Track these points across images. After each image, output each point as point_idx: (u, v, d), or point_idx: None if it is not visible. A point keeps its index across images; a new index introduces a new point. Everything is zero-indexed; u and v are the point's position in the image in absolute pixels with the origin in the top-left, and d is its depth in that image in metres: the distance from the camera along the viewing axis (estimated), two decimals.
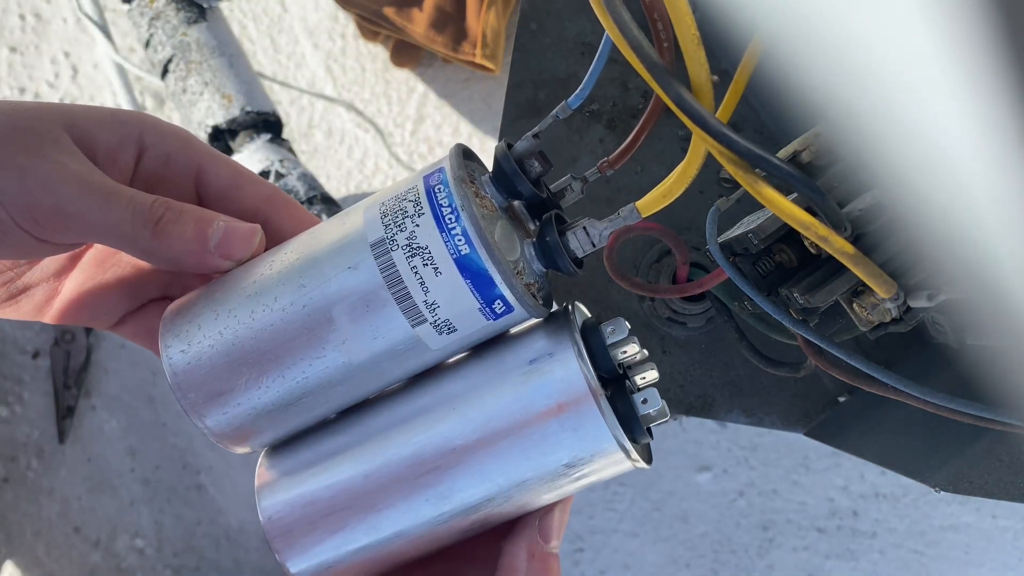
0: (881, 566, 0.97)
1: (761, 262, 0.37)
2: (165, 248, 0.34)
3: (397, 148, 1.03)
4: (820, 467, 0.97)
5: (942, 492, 0.41)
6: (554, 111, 0.37)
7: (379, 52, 1.04)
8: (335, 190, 1.02)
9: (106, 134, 0.36)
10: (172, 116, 1.04)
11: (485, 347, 0.39)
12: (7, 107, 0.33)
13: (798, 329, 0.36)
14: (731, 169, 0.32)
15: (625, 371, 0.37)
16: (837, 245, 0.31)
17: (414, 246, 0.35)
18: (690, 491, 0.98)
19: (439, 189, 0.35)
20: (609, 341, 0.37)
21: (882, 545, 0.97)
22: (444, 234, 0.34)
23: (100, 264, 0.39)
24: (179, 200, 0.36)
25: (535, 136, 0.37)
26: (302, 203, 0.72)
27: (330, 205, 0.74)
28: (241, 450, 0.39)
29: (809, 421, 0.53)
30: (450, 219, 0.35)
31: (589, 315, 0.40)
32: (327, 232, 0.37)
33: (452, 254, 0.35)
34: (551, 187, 0.38)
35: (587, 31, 0.50)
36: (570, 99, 0.37)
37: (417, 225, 0.35)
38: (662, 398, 0.36)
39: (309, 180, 0.75)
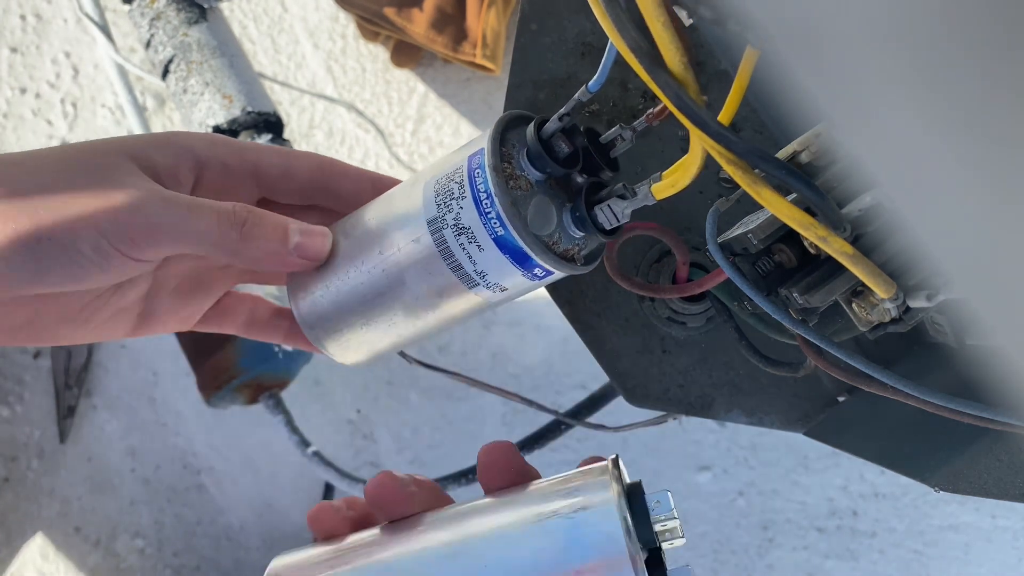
0: (881, 566, 0.97)
1: (760, 262, 0.37)
2: (252, 250, 0.38)
3: (398, 148, 1.03)
4: (820, 467, 0.97)
5: (941, 492, 0.42)
6: (576, 95, 0.38)
7: (379, 52, 1.04)
8: None
9: (164, 156, 0.39)
10: (173, 116, 1.04)
11: (522, 490, 0.42)
12: (72, 149, 0.36)
13: (797, 329, 0.36)
14: (730, 169, 0.32)
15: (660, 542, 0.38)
16: (836, 246, 0.31)
17: (460, 226, 0.40)
18: (690, 491, 0.98)
19: (478, 173, 0.40)
20: (653, 513, 0.38)
21: (882, 545, 0.97)
22: (482, 217, 0.39)
23: (168, 271, 0.42)
24: (245, 198, 0.41)
25: (560, 118, 0.39)
26: None
27: None
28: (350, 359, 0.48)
29: (809, 421, 0.53)
30: (486, 204, 0.39)
31: (627, 478, 0.42)
32: (399, 203, 0.43)
33: (491, 234, 0.40)
34: (601, 138, 0.40)
35: (587, 31, 0.50)
36: (590, 83, 0.38)
37: (461, 208, 0.40)
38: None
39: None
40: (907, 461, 0.46)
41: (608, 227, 0.42)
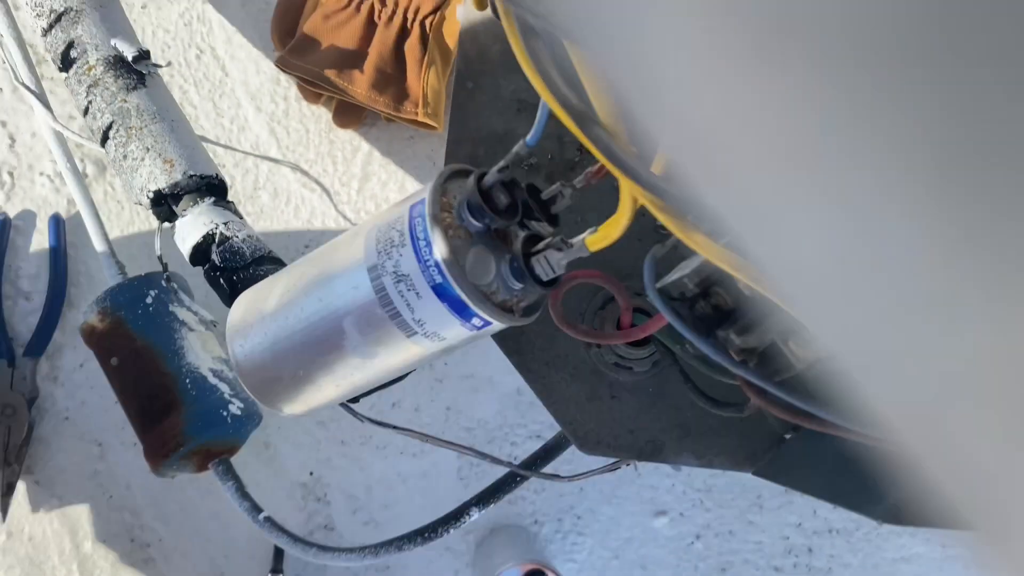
0: None
1: (698, 305, 0.39)
2: None
3: (344, 207, 1.03)
4: (773, 505, 0.98)
5: (884, 525, 0.42)
6: (514, 148, 0.39)
7: (322, 113, 1.05)
8: (283, 250, 1.01)
9: None
10: (114, 183, 1.03)
11: None
12: None
13: (737, 370, 0.37)
14: (661, 217, 0.33)
15: None
16: (768, 287, 0.32)
17: (399, 273, 0.41)
18: (648, 536, 0.98)
19: (418, 222, 0.41)
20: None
21: None
22: (421, 264, 0.40)
23: None
24: None
25: (500, 170, 0.40)
26: (248, 265, 0.72)
27: (278, 264, 0.74)
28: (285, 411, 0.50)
29: (757, 460, 0.54)
30: (425, 252, 0.40)
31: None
32: (341, 251, 0.44)
33: (429, 283, 0.40)
34: (543, 195, 0.41)
35: (522, 88, 0.52)
36: (528, 138, 0.40)
37: (401, 255, 0.41)
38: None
39: (254, 242, 0.75)
40: (852, 496, 0.47)
41: (545, 278, 0.43)
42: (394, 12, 0.98)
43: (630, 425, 0.54)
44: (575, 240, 0.40)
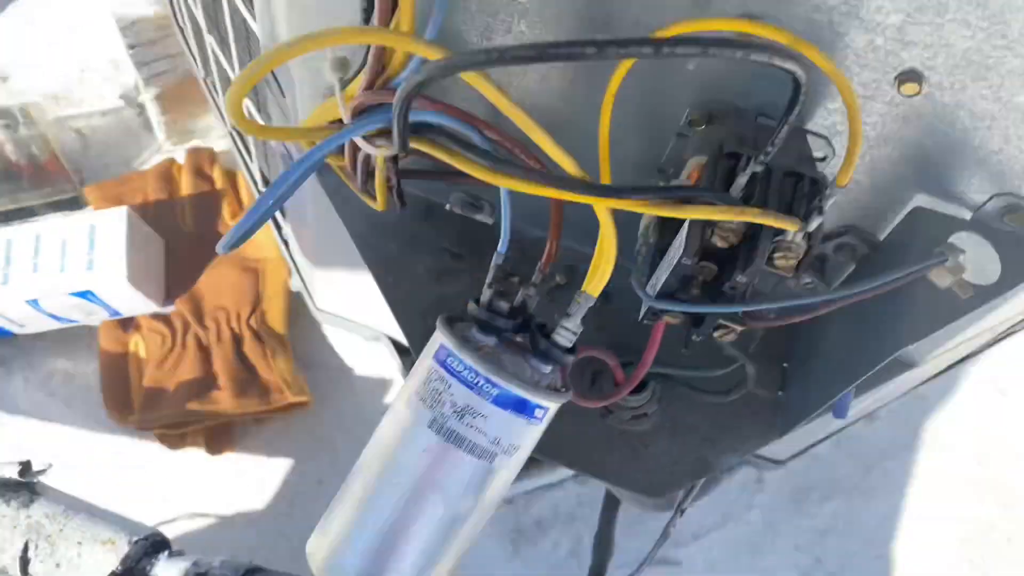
0: None
1: (690, 286, 0.47)
2: None
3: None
4: None
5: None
6: (492, 262, 0.47)
7: (192, 455, 1.04)
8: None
9: None
10: None
11: None
12: None
13: (750, 306, 0.46)
14: (652, 211, 0.42)
15: None
16: (749, 214, 0.41)
17: (458, 409, 0.46)
18: None
19: (451, 360, 0.47)
20: None
21: None
22: (474, 389, 0.46)
23: None
24: None
25: (488, 285, 0.47)
26: None
27: (267, 572, 0.73)
28: None
29: (773, 428, 0.62)
30: (471, 377, 0.46)
31: None
32: (389, 436, 0.48)
33: (488, 399, 0.45)
34: (515, 301, 0.48)
35: (436, 255, 0.60)
36: (499, 247, 0.48)
37: (452, 394, 0.46)
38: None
39: (231, 563, 0.73)
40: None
41: (570, 345, 0.50)
42: (219, 329, 1.03)
43: (672, 459, 0.60)
44: (577, 298, 0.48)
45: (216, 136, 1.20)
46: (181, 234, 1.08)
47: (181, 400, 0.98)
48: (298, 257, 0.90)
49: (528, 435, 0.49)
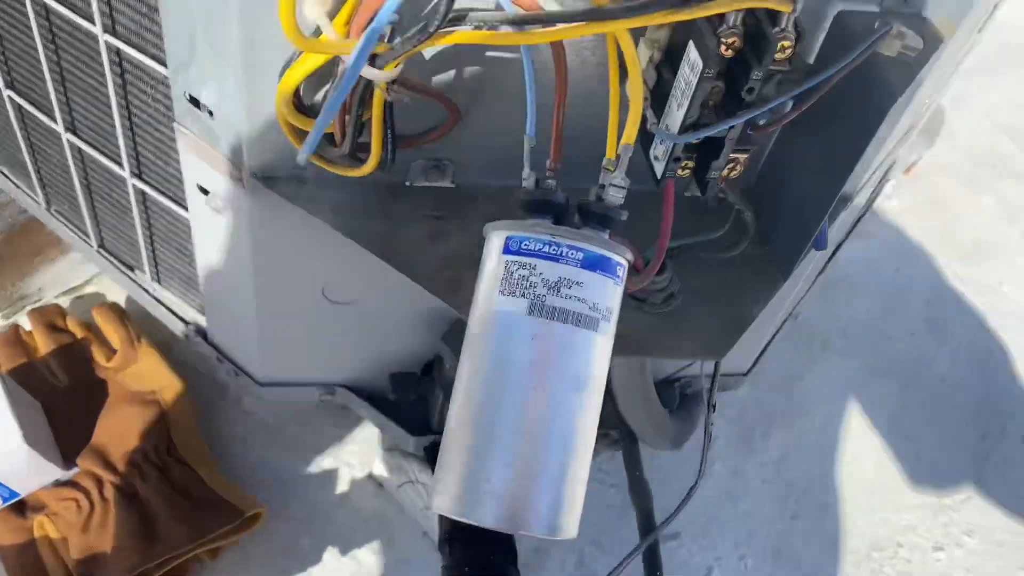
0: None
1: (703, 114, 0.51)
2: None
3: None
4: None
5: None
6: (525, 143, 0.49)
7: None
8: None
9: None
10: None
11: None
12: None
13: (770, 104, 0.50)
14: (671, 18, 0.46)
15: None
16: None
17: (552, 284, 0.46)
18: None
19: (526, 244, 0.48)
20: None
21: None
22: (560, 260, 0.47)
23: None
24: None
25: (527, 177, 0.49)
26: None
27: None
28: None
29: (778, 276, 0.66)
30: (554, 249, 0.47)
31: None
32: (487, 347, 0.47)
33: (576, 264, 0.47)
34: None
35: None
36: (528, 130, 0.49)
37: (540, 272, 0.47)
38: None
39: None
40: None
41: (622, 200, 0.52)
42: (140, 470, 0.92)
43: (714, 322, 0.62)
44: (617, 153, 0.50)
45: (52, 294, 1.10)
46: (56, 392, 0.96)
47: (127, 556, 0.85)
48: (232, 340, 0.84)
49: (615, 296, 0.50)
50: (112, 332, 1.02)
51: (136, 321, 1.04)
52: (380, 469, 1.01)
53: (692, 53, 0.50)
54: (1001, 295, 1.45)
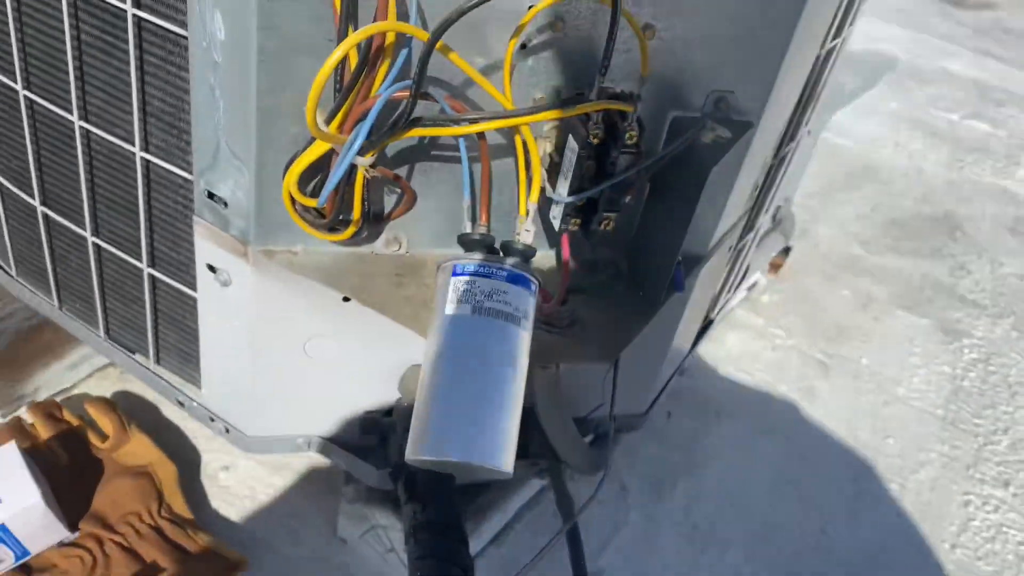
0: None
1: (583, 183, 0.75)
2: None
3: None
4: None
5: None
6: (465, 205, 0.71)
7: None
8: None
9: None
10: None
11: None
12: None
13: (625, 174, 0.74)
14: (555, 115, 0.70)
15: None
16: (604, 103, 0.71)
17: (487, 293, 0.71)
18: None
19: (467, 268, 0.72)
20: None
21: None
22: (492, 277, 0.72)
23: None
24: None
25: (468, 225, 0.71)
26: None
27: None
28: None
29: (648, 309, 0.89)
30: (486, 270, 0.72)
31: None
32: (443, 338, 0.69)
33: (503, 279, 0.72)
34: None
35: None
36: (465, 196, 0.72)
37: (479, 286, 0.71)
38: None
39: None
40: None
41: (531, 241, 0.75)
42: (136, 529, 1.06)
43: (605, 335, 0.84)
44: (526, 210, 0.73)
45: (46, 394, 1.25)
46: (58, 469, 1.11)
47: None
48: (225, 401, 1.02)
49: (531, 303, 0.73)
50: (104, 420, 1.18)
51: (126, 410, 1.20)
52: (343, 526, 1.16)
53: (571, 142, 0.75)
54: (861, 366, 1.72)
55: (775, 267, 1.90)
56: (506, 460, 0.67)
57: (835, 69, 1.24)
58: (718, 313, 1.49)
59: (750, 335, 1.73)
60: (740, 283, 1.58)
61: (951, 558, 1.37)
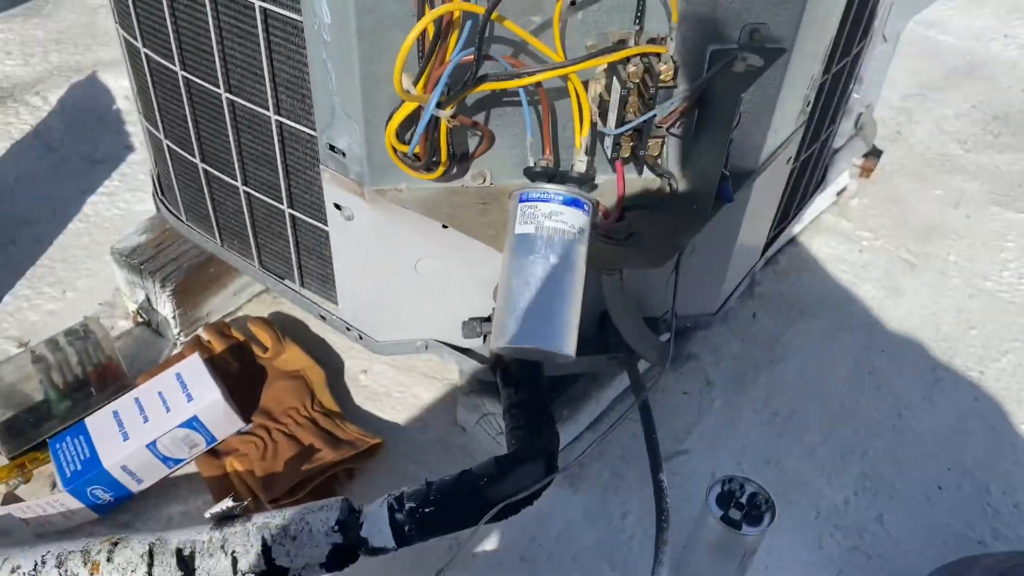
0: None
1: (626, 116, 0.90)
2: None
3: None
4: None
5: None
6: (529, 146, 0.88)
7: None
8: None
9: None
10: None
11: None
12: None
13: (668, 99, 0.89)
14: (602, 61, 0.85)
15: None
16: (641, 47, 0.86)
17: (547, 214, 0.87)
18: None
19: (531, 193, 0.87)
20: None
21: None
22: (551, 201, 0.87)
23: None
24: None
25: (533, 159, 0.88)
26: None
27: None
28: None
29: (700, 216, 1.03)
30: (545, 195, 0.87)
31: None
32: (515, 251, 0.87)
33: (560, 203, 0.87)
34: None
35: None
36: (529, 134, 0.88)
37: (540, 208, 0.87)
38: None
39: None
40: None
41: (584, 170, 0.90)
42: (296, 420, 1.31)
43: (660, 243, 0.99)
44: (581, 151, 0.89)
45: (216, 315, 1.52)
46: (231, 375, 1.37)
47: (294, 472, 1.24)
48: (357, 314, 1.25)
49: (586, 221, 0.88)
50: (264, 334, 1.44)
51: (280, 326, 1.46)
52: (461, 415, 1.38)
53: (615, 83, 0.90)
54: (949, 263, 1.78)
55: (866, 171, 1.96)
56: (568, 345, 0.85)
57: None
58: (798, 219, 1.59)
59: (838, 239, 1.82)
60: (820, 188, 1.67)
61: (1023, 439, 1.46)
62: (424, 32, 0.85)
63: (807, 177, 1.47)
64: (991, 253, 1.81)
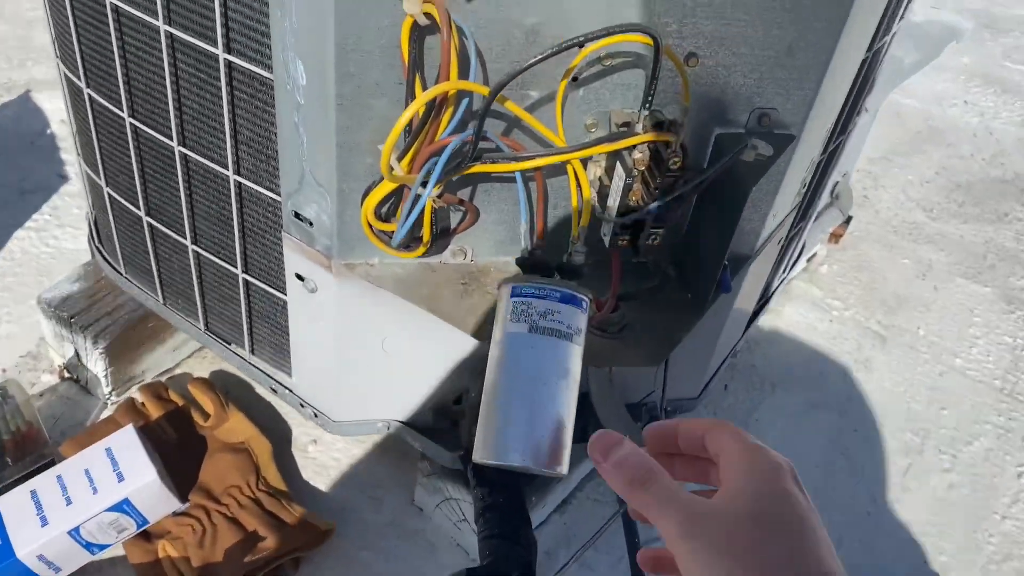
0: None
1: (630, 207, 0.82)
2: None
3: None
4: None
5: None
6: (523, 230, 0.79)
7: None
8: None
9: None
10: None
11: None
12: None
13: (671, 195, 0.81)
14: (602, 150, 0.77)
15: None
16: (650, 135, 0.78)
17: (541, 312, 0.76)
18: None
19: (524, 289, 0.77)
20: None
21: None
22: (546, 299, 0.76)
23: None
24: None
25: (525, 247, 0.79)
26: None
27: None
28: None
29: (695, 311, 0.96)
30: (541, 291, 0.77)
31: None
32: (504, 353, 0.75)
33: (556, 300, 0.76)
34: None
35: None
36: (522, 219, 0.80)
37: (534, 306, 0.76)
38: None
39: None
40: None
41: (583, 262, 0.82)
42: (238, 500, 1.19)
43: (654, 341, 0.91)
44: (576, 234, 0.81)
45: (152, 376, 1.39)
46: (167, 446, 1.24)
47: (237, 561, 1.12)
48: (313, 390, 1.13)
49: (582, 320, 0.80)
50: (205, 399, 1.31)
51: (223, 387, 1.33)
52: (419, 495, 1.28)
53: (618, 169, 0.82)
54: (918, 337, 1.75)
55: (835, 237, 1.92)
56: (563, 465, 0.76)
57: (892, 47, 1.27)
58: (774, 291, 1.54)
59: (808, 306, 1.78)
60: (796, 262, 1.63)
61: (1000, 528, 1.42)
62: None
63: (790, 253, 1.41)
64: (960, 327, 1.79)
